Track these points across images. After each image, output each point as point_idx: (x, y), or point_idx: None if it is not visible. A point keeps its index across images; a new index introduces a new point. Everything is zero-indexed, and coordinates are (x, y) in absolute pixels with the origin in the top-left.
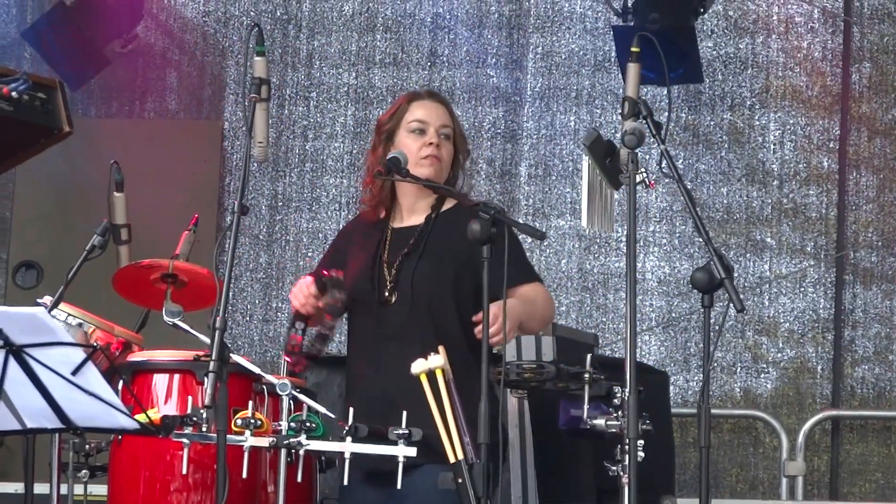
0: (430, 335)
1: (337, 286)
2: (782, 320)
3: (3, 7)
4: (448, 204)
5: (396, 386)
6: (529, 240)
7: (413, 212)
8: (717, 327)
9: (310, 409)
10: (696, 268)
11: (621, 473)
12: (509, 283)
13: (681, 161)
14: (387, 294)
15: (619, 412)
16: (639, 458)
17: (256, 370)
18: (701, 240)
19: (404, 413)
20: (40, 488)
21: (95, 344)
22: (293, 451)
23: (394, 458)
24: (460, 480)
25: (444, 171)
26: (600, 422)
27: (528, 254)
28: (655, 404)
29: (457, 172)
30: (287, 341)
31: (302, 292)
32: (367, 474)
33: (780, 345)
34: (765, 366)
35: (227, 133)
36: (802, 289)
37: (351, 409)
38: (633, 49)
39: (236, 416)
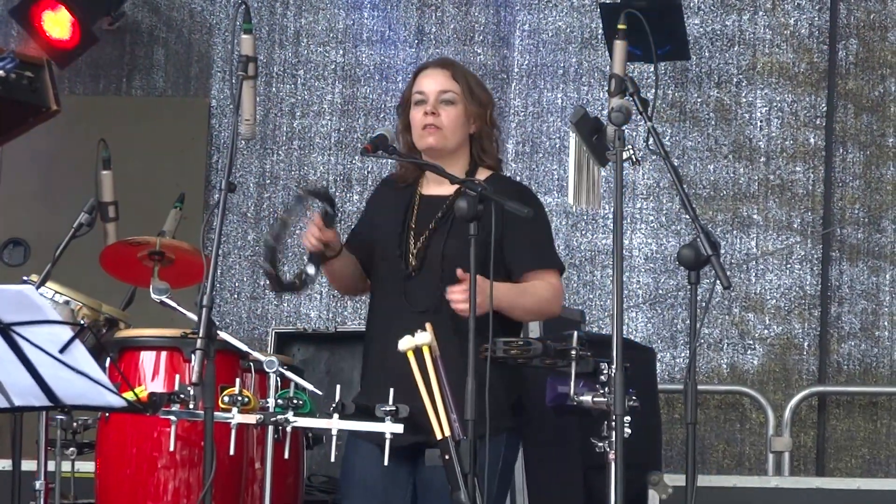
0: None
1: (315, 261)
2: (769, 297)
3: None
4: (481, 175)
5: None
6: None
7: (441, 181)
8: (703, 304)
9: (297, 385)
10: (683, 245)
11: (608, 450)
12: (524, 268)
13: (667, 138)
14: (412, 264)
15: (606, 389)
16: (625, 435)
17: (244, 347)
18: (688, 217)
19: (391, 390)
20: (28, 465)
21: (82, 322)
22: (280, 428)
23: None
24: (447, 457)
25: (451, 136)
26: (587, 398)
27: None
28: (642, 381)
29: (478, 131)
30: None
31: (311, 233)
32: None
33: (767, 321)
34: (751, 342)
35: (215, 111)
36: (789, 265)
37: (338, 387)
38: (620, 26)
39: (223, 394)
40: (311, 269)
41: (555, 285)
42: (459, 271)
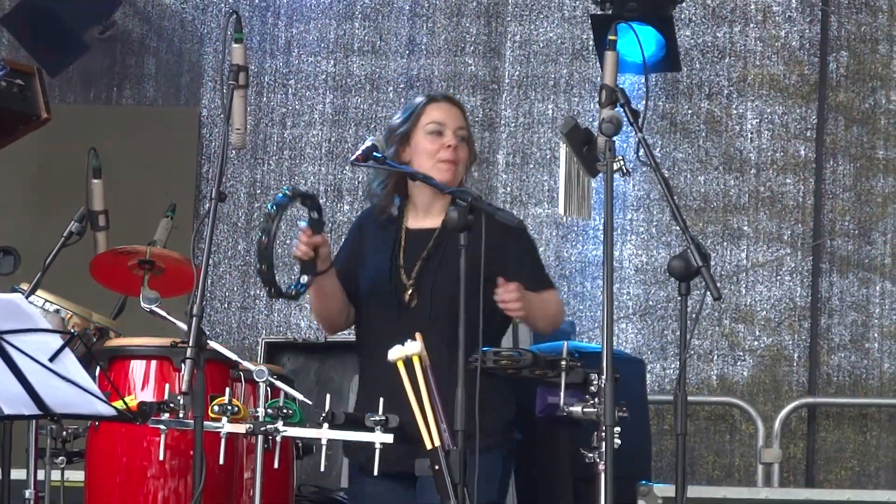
0: (453, 336)
1: (308, 270)
2: (759, 308)
3: None
4: None
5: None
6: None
7: (428, 213)
8: (693, 315)
9: (287, 395)
10: (673, 256)
11: (598, 461)
12: (530, 289)
13: (658, 149)
14: (407, 298)
15: (596, 399)
16: (615, 446)
17: (233, 357)
18: (678, 228)
19: (381, 400)
20: (17, 474)
21: (73, 330)
22: (270, 437)
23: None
24: (437, 467)
25: (461, 173)
26: (577, 409)
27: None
28: (632, 392)
29: (466, 175)
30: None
31: (300, 240)
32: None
33: (757, 332)
34: (741, 353)
35: (205, 120)
36: (779, 277)
37: (328, 397)
38: (611, 37)
39: (213, 403)
40: (304, 279)
41: (559, 300)
42: (500, 279)
